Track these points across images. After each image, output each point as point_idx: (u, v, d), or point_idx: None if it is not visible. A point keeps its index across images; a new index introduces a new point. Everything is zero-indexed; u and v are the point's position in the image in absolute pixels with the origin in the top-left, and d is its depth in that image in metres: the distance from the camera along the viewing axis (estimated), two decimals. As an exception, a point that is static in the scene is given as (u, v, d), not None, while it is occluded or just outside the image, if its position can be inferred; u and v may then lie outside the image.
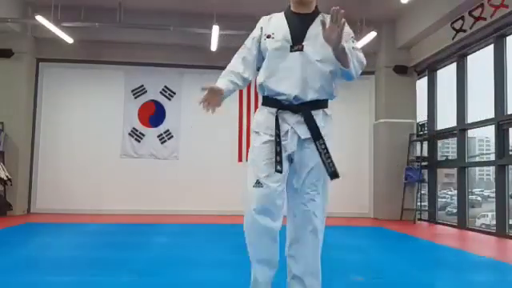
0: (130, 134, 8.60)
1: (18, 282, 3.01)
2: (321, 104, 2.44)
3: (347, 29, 2.40)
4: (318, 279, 2.43)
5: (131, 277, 3.18)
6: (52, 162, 8.37)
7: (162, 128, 8.66)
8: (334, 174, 2.35)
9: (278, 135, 2.37)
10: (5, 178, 7.46)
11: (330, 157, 2.35)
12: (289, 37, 2.44)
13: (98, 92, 8.59)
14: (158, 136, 8.65)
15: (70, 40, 7.84)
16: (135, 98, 8.67)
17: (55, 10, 7.35)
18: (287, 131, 2.41)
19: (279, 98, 2.42)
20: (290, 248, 2.47)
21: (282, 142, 2.37)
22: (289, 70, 2.40)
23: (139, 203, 8.30)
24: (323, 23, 2.27)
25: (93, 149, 8.44)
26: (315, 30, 2.41)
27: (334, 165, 2.35)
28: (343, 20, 2.25)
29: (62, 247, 4.58)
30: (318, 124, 2.39)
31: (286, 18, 2.53)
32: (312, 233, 2.40)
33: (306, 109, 2.39)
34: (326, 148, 2.35)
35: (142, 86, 8.69)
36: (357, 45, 2.47)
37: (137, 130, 8.62)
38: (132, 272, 3.32)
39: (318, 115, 2.41)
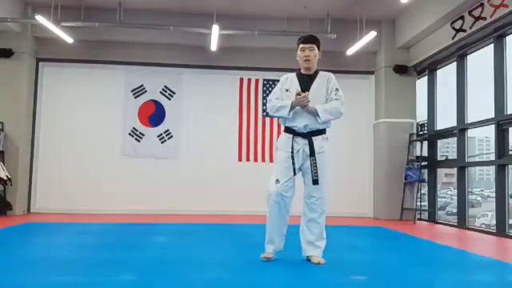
0: (129, 134, 8.60)
1: (18, 282, 3.00)
2: (320, 132, 3.79)
3: (334, 82, 3.86)
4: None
5: (131, 277, 3.18)
6: (52, 162, 8.37)
7: (161, 128, 8.66)
8: (314, 182, 3.71)
9: (292, 151, 3.72)
10: (5, 178, 7.46)
11: (316, 169, 3.69)
12: (300, 90, 3.74)
13: (98, 92, 8.58)
14: (158, 136, 8.65)
15: (69, 40, 7.84)
16: (135, 97, 8.67)
17: (55, 10, 7.36)
18: (298, 150, 3.74)
19: (294, 128, 3.76)
20: (304, 218, 3.81)
21: (295, 157, 3.72)
22: (300, 111, 3.72)
23: (139, 203, 8.31)
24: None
25: (93, 149, 8.44)
26: (316, 86, 3.80)
27: (317, 175, 3.70)
28: (308, 98, 3.68)
29: (61, 247, 4.58)
30: (318, 145, 3.73)
31: (298, 78, 3.86)
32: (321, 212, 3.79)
33: (309, 135, 3.73)
34: (315, 163, 3.69)
35: (142, 85, 8.69)
36: (339, 95, 3.84)
37: (137, 130, 8.62)
38: (132, 272, 3.32)
39: (317, 139, 3.75)
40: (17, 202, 7.84)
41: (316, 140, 3.74)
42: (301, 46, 3.86)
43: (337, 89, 3.82)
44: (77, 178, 8.35)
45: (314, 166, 3.68)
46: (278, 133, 7.80)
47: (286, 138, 3.80)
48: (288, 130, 3.82)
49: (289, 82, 3.85)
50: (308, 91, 3.73)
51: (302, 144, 3.73)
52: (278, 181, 3.69)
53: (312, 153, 3.69)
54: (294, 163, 3.69)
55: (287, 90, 3.80)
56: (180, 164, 8.57)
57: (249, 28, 7.77)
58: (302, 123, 3.73)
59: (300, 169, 3.77)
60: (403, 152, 8.32)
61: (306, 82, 3.80)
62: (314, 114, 3.70)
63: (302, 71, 3.89)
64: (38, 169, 8.37)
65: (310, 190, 3.74)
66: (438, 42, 7.49)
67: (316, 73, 3.87)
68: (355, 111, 8.93)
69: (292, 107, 3.69)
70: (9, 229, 5.99)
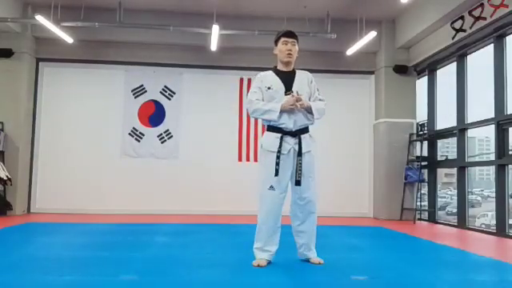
0: (129, 134, 8.60)
1: (18, 282, 3.00)
2: (306, 129, 3.64)
3: (315, 82, 3.74)
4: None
5: (131, 277, 3.18)
6: (52, 162, 8.37)
7: (161, 128, 8.66)
8: (297, 182, 3.54)
9: (279, 152, 3.51)
10: (5, 178, 7.46)
11: (301, 169, 3.52)
12: (283, 86, 3.59)
13: (97, 92, 8.58)
14: (158, 136, 8.65)
15: (69, 40, 7.84)
16: (135, 97, 8.67)
17: (55, 10, 7.36)
18: (290, 149, 3.54)
19: (281, 126, 3.55)
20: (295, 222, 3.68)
21: (286, 157, 3.52)
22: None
23: (139, 203, 8.31)
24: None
25: (93, 149, 8.45)
26: (298, 83, 3.62)
27: (300, 176, 3.52)
28: (302, 98, 3.52)
29: (61, 247, 4.58)
30: (307, 143, 3.59)
31: (277, 75, 3.65)
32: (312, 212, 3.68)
33: (298, 133, 3.56)
34: (301, 163, 3.52)
35: (142, 85, 8.69)
36: (322, 95, 3.72)
37: (137, 130, 8.62)
38: (132, 272, 3.32)
39: (305, 137, 3.61)
40: (17, 202, 7.85)
41: (304, 138, 3.58)
42: (283, 39, 3.62)
43: (318, 89, 3.73)
44: (77, 178, 8.35)
45: (299, 166, 3.50)
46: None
47: (273, 138, 3.55)
48: (274, 128, 3.58)
49: (269, 79, 3.62)
50: (291, 89, 3.55)
51: (292, 143, 3.54)
52: (272, 187, 3.51)
53: (300, 152, 3.51)
54: (278, 163, 3.48)
55: (269, 88, 3.58)
56: (180, 164, 8.56)
57: (249, 28, 7.76)
58: (290, 120, 3.52)
59: (293, 169, 3.58)
60: (403, 152, 8.32)
61: (286, 79, 3.60)
62: (304, 110, 3.55)
63: (280, 67, 3.69)
64: (37, 169, 8.37)
65: (302, 191, 3.56)
66: (438, 42, 7.50)
67: (294, 70, 3.70)
68: (355, 111, 8.95)
69: (281, 111, 3.50)
70: (9, 229, 5.99)
